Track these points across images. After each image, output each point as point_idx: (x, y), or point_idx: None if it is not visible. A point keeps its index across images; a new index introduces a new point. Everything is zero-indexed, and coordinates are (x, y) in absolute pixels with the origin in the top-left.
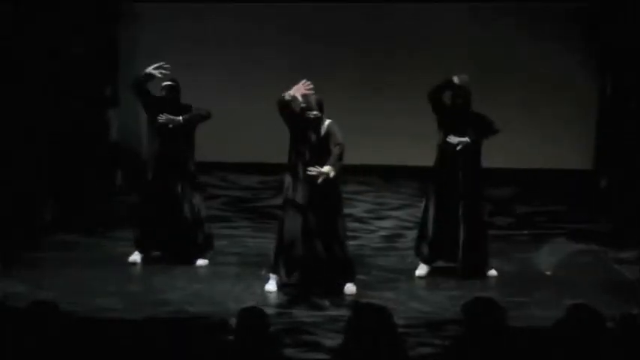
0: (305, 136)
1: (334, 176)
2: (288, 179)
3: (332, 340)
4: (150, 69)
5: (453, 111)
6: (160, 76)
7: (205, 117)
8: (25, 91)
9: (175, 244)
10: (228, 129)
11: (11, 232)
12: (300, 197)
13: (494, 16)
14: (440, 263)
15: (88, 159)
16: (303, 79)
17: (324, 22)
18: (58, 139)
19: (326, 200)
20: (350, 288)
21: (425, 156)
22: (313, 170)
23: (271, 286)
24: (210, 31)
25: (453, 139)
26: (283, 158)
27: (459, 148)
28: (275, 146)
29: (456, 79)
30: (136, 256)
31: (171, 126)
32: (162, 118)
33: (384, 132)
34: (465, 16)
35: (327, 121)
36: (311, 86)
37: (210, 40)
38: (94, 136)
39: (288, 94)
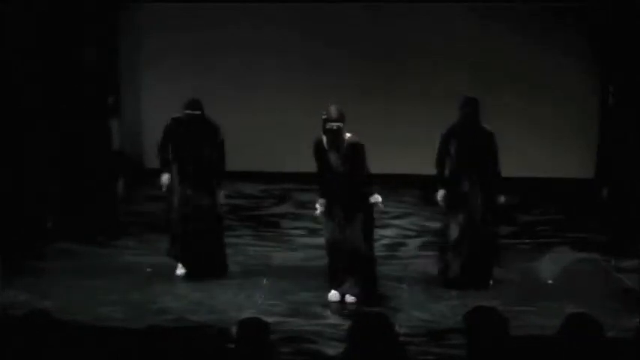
0: (331, 151)
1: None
2: (323, 196)
3: (333, 349)
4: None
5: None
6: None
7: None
8: (26, 100)
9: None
10: (231, 137)
11: (13, 241)
12: (336, 211)
13: (496, 25)
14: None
15: (89, 167)
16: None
17: (325, 30)
18: (61, 147)
19: (360, 213)
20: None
21: (427, 164)
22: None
23: (334, 296)
24: (212, 38)
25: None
26: (285, 166)
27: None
28: (277, 155)
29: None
30: (181, 270)
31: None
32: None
33: (386, 140)
34: (467, 24)
35: (349, 135)
36: None
37: (211, 47)
38: (96, 145)
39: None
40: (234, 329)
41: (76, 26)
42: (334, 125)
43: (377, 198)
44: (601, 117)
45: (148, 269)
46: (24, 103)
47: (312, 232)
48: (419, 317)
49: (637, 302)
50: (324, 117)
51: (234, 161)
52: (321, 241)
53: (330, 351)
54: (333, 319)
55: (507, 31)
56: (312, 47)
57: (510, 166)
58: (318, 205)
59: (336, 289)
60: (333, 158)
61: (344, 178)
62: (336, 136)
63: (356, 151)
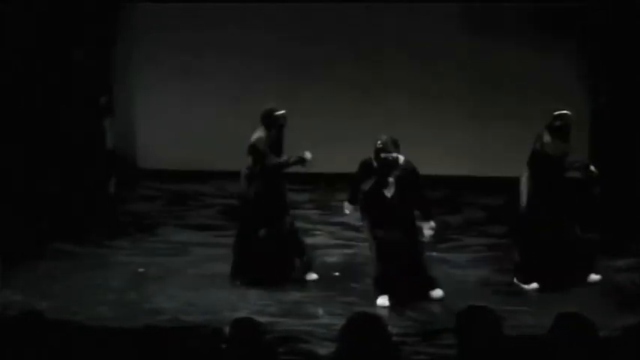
0: (385, 178)
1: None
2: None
3: (326, 349)
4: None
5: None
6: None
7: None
8: (25, 100)
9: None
10: (225, 137)
11: (10, 241)
12: (389, 233)
13: (496, 25)
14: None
15: (83, 167)
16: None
17: (325, 30)
18: (54, 147)
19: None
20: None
21: (423, 164)
22: None
23: (383, 300)
24: (209, 39)
25: None
26: None
27: None
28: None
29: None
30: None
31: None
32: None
33: None
34: (466, 24)
35: (402, 158)
36: None
37: (208, 48)
38: (89, 145)
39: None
40: (227, 329)
41: (75, 26)
42: (390, 156)
43: (430, 226)
44: (592, 117)
45: (140, 269)
46: (24, 103)
47: (306, 233)
48: (412, 317)
49: (631, 301)
50: (379, 146)
51: (233, 161)
52: (315, 240)
53: (323, 351)
54: (326, 319)
55: (507, 31)
56: (312, 47)
57: (503, 166)
58: (346, 210)
59: (388, 293)
60: (386, 183)
61: (394, 201)
62: (393, 165)
63: (412, 177)
